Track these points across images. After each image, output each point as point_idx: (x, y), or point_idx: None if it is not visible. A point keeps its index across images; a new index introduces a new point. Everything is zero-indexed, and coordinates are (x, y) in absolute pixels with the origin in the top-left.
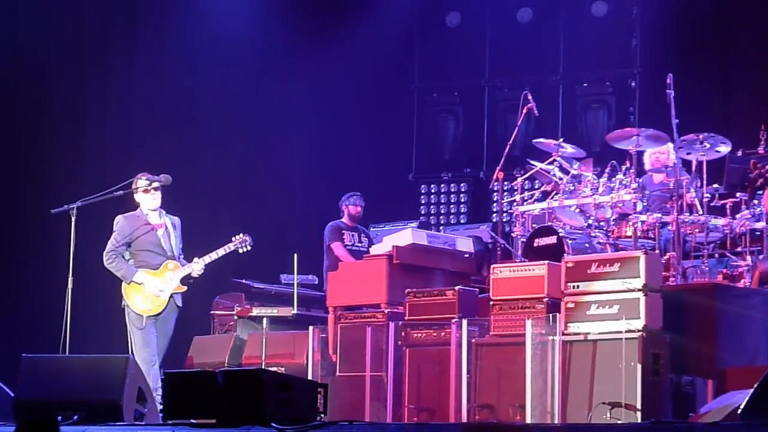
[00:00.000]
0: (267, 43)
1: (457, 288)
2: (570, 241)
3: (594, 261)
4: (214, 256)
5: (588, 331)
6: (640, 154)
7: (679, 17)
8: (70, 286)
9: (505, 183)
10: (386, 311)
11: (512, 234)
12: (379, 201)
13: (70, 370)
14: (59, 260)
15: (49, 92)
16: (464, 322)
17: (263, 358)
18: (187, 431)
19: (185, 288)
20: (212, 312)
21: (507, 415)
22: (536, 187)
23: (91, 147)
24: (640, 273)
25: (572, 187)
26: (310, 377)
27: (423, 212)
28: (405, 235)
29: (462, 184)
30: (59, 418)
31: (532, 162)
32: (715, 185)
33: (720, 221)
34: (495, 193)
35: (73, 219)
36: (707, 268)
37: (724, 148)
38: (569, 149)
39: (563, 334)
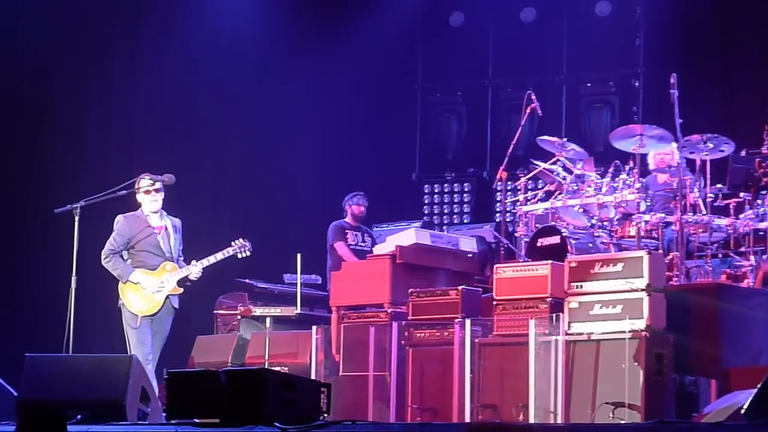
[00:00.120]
0: (270, 43)
1: (460, 288)
2: (573, 241)
3: (597, 261)
4: (212, 259)
5: (591, 331)
6: (644, 153)
7: (682, 17)
8: (73, 285)
9: (509, 183)
10: (389, 311)
11: (515, 234)
12: (383, 201)
13: (74, 369)
14: (62, 260)
15: (52, 92)
16: (467, 321)
17: (266, 357)
18: (190, 431)
19: (181, 290)
20: (215, 312)
21: (510, 415)
22: (539, 186)
23: (94, 147)
24: (643, 273)
25: (575, 187)
26: (313, 377)
27: (426, 212)
28: (408, 235)
29: (465, 184)
30: None
31: (535, 162)
32: (719, 185)
33: (723, 221)
34: (498, 193)
35: (76, 219)
36: (710, 268)
37: (727, 147)
38: (573, 148)
39: (566, 334)
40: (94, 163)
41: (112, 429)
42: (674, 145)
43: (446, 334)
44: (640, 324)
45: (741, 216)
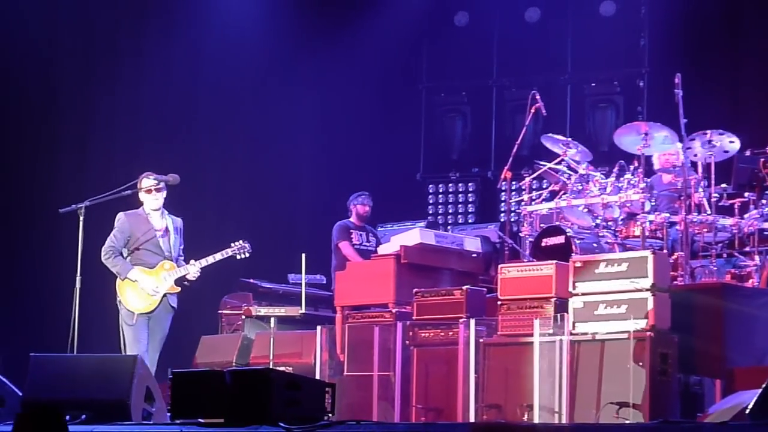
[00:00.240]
0: (274, 43)
1: (464, 288)
2: (578, 241)
3: (602, 261)
4: (210, 260)
5: (596, 330)
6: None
7: (687, 17)
8: (77, 285)
9: (513, 183)
10: (394, 311)
11: (520, 234)
12: (387, 201)
13: (78, 369)
14: (67, 260)
15: (57, 92)
16: (472, 321)
17: (271, 357)
18: (194, 430)
19: (179, 289)
20: (220, 311)
21: (514, 415)
22: (544, 186)
23: (99, 147)
24: (648, 273)
25: (580, 187)
26: (317, 377)
27: (431, 212)
28: (413, 235)
29: (470, 184)
30: (67, 417)
31: (540, 162)
32: (724, 185)
33: (728, 221)
34: (503, 193)
35: (81, 219)
36: (715, 268)
37: (732, 146)
38: (576, 151)
39: (571, 333)
40: (99, 163)
41: (117, 429)
42: (679, 145)
43: (451, 334)
44: (645, 324)
45: (746, 216)
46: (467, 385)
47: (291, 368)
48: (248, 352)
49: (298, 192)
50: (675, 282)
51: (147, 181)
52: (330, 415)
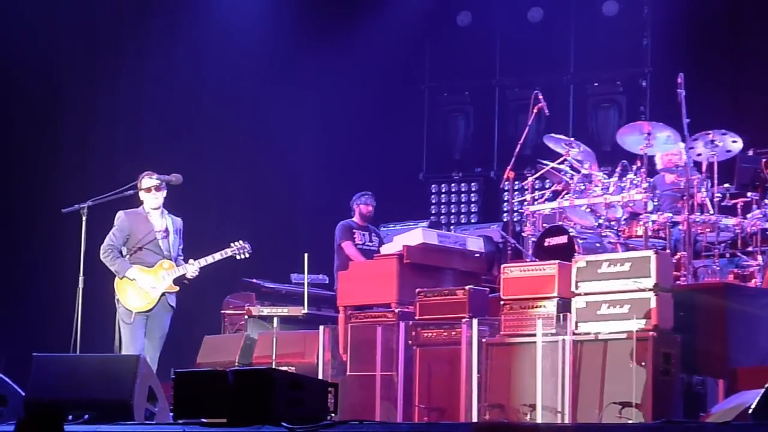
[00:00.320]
0: (277, 42)
1: (467, 287)
2: (581, 241)
3: (605, 260)
4: (210, 260)
5: (598, 330)
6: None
7: (690, 16)
8: (80, 285)
9: (516, 182)
10: (397, 311)
11: (523, 233)
12: (390, 200)
13: (81, 369)
14: (69, 260)
15: (60, 92)
16: (474, 321)
17: (274, 357)
18: (197, 430)
19: (177, 288)
20: (223, 311)
21: (517, 415)
22: (547, 186)
23: (101, 146)
24: (650, 273)
25: (583, 187)
26: (320, 377)
27: (433, 212)
28: (415, 235)
29: (472, 184)
30: (70, 417)
31: (542, 161)
32: (726, 185)
33: (731, 221)
34: (505, 193)
35: (83, 218)
36: (718, 268)
37: (735, 146)
38: (579, 151)
39: (573, 333)
40: (101, 163)
41: (120, 429)
42: (682, 144)
43: (453, 333)
44: (648, 324)
45: (748, 215)
46: (470, 385)
47: (294, 368)
48: (251, 352)
49: (301, 192)
50: (678, 282)
51: (147, 180)
52: (333, 415)
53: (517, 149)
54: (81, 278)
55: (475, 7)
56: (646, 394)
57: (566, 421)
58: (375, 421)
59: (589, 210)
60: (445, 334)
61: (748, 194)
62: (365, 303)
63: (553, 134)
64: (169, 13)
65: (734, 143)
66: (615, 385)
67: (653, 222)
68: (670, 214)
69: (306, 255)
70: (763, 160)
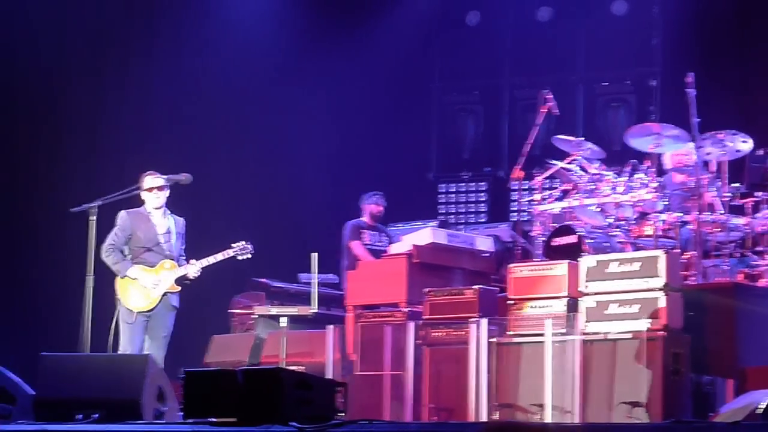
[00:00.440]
0: (286, 42)
1: (476, 287)
2: (589, 241)
3: (614, 260)
4: (211, 260)
5: (608, 330)
6: (660, 153)
7: (699, 16)
8: (88, 285)
9: (525, 182)
10: (405, 310)
11: (532, 233)
12: (399, 200)
13: (90, 368)
14: (78, 259)
15: (68, 91)
16: (484, 321)
17: (283, 357)
18: (206, 430)
19: (179, 288)
20: (231, 311)
21: (526, 415)
22: (556, 186)
23: (110, 146)
24: (660, 272)
25: (592, 186)
26: (329, 376)
27: (442, 211)
28: (424, 234)
29: (481, 183)
30: (79, 416)
31: (551, 161)
32: (736, 184)
33: (740, 220)
34: (514, 192)
35: (91, 218)
36: (728, 268)
37: (745, 146)
38: (590, 147)
39: (583, 333)
40: (110, 162)
41: (129, 428)
42: (691, 144)
43: (462, 333)
44: (657, 323)
45: (758, 215)
46: (479, 384)
47: (302, 367)
48: (260, 352)
49: (310, 191)
50: (687, 281)
51: (149, 179)
52: (341, 414)
53: (526, 149)
54: (89, 278)
55: (484, 6)
56: (655, 393)
57: (575, 420)
58: (384, 421)
59: (598, 209)
60: (454, 333)
61: (758, 194)
62: (374, 302)
63: (562, 136)
64: (178, 13)
65: (744, 143)
66: (624, 384)
67: (663, 221)
68: (680, 214)
69: (315, 254)
70: None
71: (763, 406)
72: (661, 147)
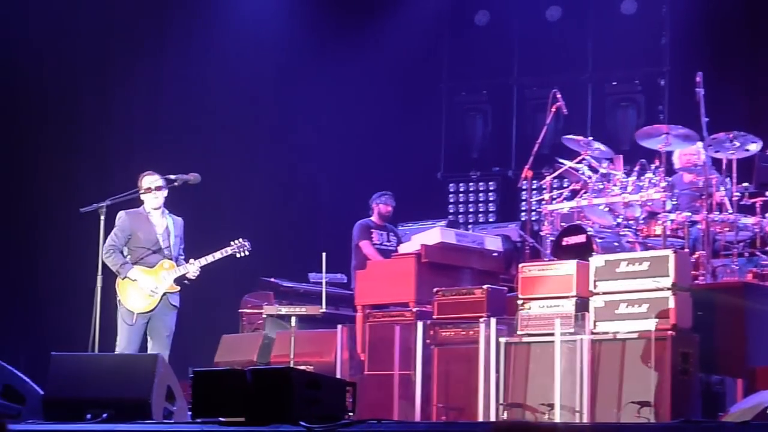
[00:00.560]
0: (295, 42)
1: (485, 287)
2: (599, 240)
3: (623, 260)
4: (210, 258)
5: (617, 330)
6: (670, 152)
7: (708, 15)
8: (99, 284)
9: (534, 181)
10: (415, 310)
11: (541, 233)
12: (408, 200)
13: (100, 368)
14: (88, 259)
15: (78, 91)
16: (493, 320)
17: (292, 356)
18: (215, 429)
19: (179, 288)
20: (241, 310)
21: (535, 414)
22: (565, 185)
23: (120, 145)
24: (669, 272)
25: (601, 186)
26: (338, 376)
27: (451, 211)
28: (433, 234)
29: (490, 183)
30: (88, 416)
31: (560, 160)
32: (745, 184)
33: (750, 220)
34: (523, 192)
35: (102, 218)
36: (737, 267)
37: (754, 147)
38: (598, 147)
39: (592, 333)
40: (120, 162)
41: (138, 428)
42: (700, 144)
43: (471, 333)
44: (666, 323)
45: (767, 215)
46: (488, 384)
47: (312, 367)
48: (269, 351)
49: (319, 191)
50: (696, 281)
51: (147, 179)
52: (350, 414)
53: (535, 148)
54: (99, 277)
55: (493, 6)
56: (664, 393)
57: (584, 420)
58: (393, 421)
59: (607, 209)
60: (463, 333)
61: (767, 193)
62: (383, 302)
63: (571, 136)
64: (187, 12)
65: (753, 143)
66: (633, 384)
67: (672, 221)
68: (689, 213)
69: (324, 254)
70: None
71: None
72: (670, 146)
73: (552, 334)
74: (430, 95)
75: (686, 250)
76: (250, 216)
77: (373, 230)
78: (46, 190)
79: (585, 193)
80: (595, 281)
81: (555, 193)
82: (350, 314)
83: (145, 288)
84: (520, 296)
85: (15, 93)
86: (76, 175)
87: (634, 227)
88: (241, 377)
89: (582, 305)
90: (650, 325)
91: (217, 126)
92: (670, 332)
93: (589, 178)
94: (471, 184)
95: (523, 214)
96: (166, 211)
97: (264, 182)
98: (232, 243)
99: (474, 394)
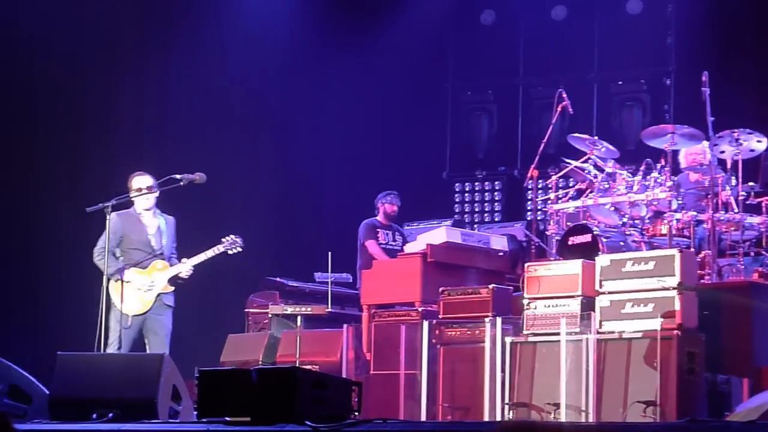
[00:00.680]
0: (300, 42)
1: (491, 286)
2: (605, 240)
3: (629, 259)
4: (202, 257)
5: (622, 329)
6: (676, 152)
7: (714, 14)
8: (105, 284)
9: (540, 181)
10: (420, 309)
11: (547, 232)
12: (414, 199)
13: (106, 367)
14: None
15: (84, 90)
16: (498, 320)
17: (297, 356)
18: (221, 429)
19: (173, 288)
20: (246, 310)
21: (541, 414)
22: (571, 185)
23: (126, 145)
24: (675, 271)
25: (607, 185)
26: (344, 375)
27: (457, 210)
28: (439, 234)
29: (496, 183)
30: (94, 415)
31: (566, 160)
32: (751, 183)
33: (755, 219)
34: (529, 191)
35: (108, 217)
36: (743, 267)
37: (759, 145)
38: (605, 146)
39: (597, 332)
40: (126, 161)
41: (144, 427)
42: (706, 143)
43: (477, 332)
44: (672, 323)
45: None
46: (494, 383)
47: (317, 367)
48: (275, 351)
49: (325, 190)
50: (702, 280)
51: (137, 180)
52: (356, 413)
53: (540, 148)
54: (105, 278)
55: (499, 5)
56: (670, 393)
57: (590, 420)
58: (398, 420)
59: (613, 208)
60: (469, 332)
61: None
62: (389, 302)
63: (577, 134)
64: (194, 12)
65: (759, 143)
66: (639, 384)
67: (677, 220)
68: (695, 213)
69: (330, 254)
70: None
71: None
72: (676, 145)
73: (558, 334)
74: (436, 95)
75: (692, 249)
76: (255, 215)
77: (378, 230)
78: (53, 189)
79: (591, 192)
80: (600, 281)
81: (561, 192)
82: (356, 314)
83: (141, 287)
84: (525, 296)
85: (21, 93)
86: (82, 174)
87: (639, 227)
88: (247, 377)
89: (588, 305)
90: (656, 324)
91: (223, 126)
92: (675, 332)
93: (595, 177)
94: (477, 183)
95: (528, 213)
96: (158, 211)
97: (270, 182)
98: (223, 240)
99: (480, 394)
